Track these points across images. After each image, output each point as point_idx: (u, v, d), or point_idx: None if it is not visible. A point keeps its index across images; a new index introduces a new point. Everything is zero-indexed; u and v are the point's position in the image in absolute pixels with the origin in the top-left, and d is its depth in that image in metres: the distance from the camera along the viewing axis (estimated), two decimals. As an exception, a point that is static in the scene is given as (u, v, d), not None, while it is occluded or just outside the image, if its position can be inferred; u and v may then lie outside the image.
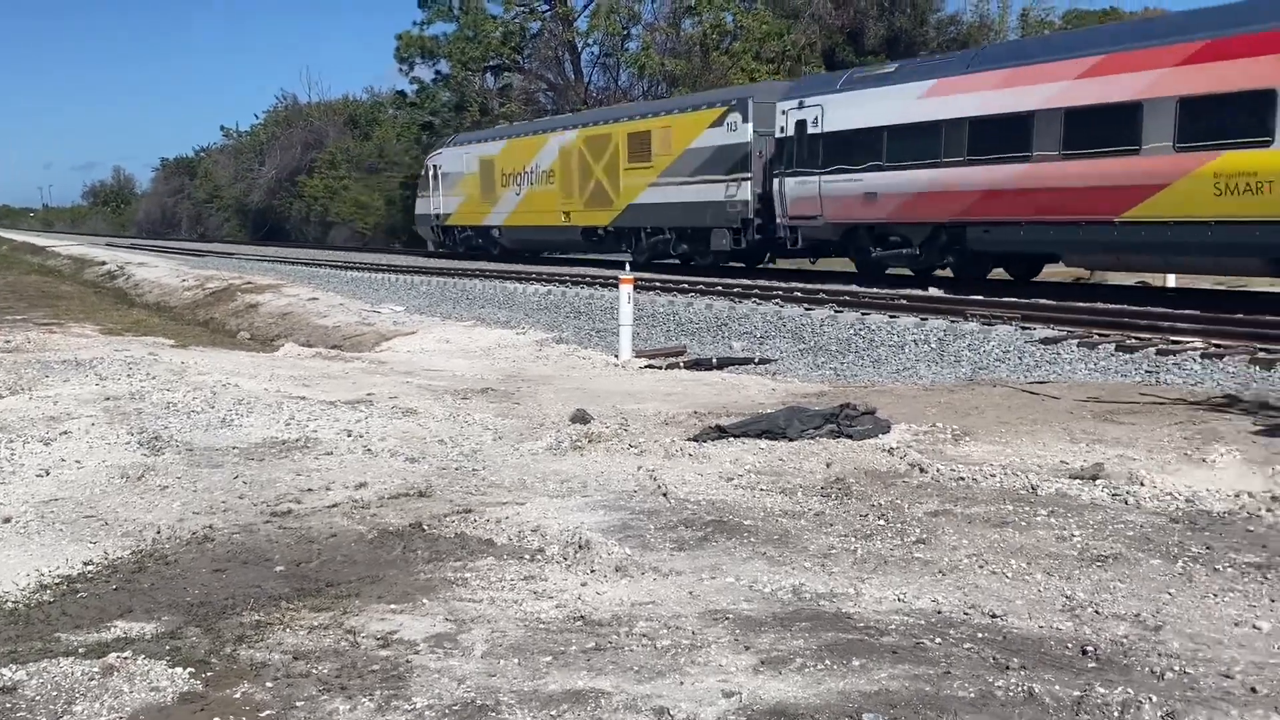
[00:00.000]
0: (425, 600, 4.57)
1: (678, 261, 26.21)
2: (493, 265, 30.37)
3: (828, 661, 3.81)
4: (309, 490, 6.46)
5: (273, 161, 69.55)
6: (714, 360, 12.73)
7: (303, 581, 4.86)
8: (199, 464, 7.07)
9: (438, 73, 50.78)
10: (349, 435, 7.98)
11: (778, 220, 21.50)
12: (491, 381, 11.15)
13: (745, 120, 22.43)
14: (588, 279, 22.50)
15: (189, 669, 3.86)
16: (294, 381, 10.47)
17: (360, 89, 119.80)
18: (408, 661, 3.92)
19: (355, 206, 59.71)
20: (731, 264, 25.05)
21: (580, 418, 8.46)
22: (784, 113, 21.24)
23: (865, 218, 19.73)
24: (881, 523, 5.58)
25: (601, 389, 10.52)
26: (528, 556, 5.15)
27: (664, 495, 6.14)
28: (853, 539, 5.31)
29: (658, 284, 20.03)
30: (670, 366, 12.36)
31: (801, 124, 20.75)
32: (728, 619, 4.26)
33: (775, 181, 21.42)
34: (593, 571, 4.90)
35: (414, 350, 14.62)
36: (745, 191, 22.48)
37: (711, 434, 7.57)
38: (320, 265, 35.01)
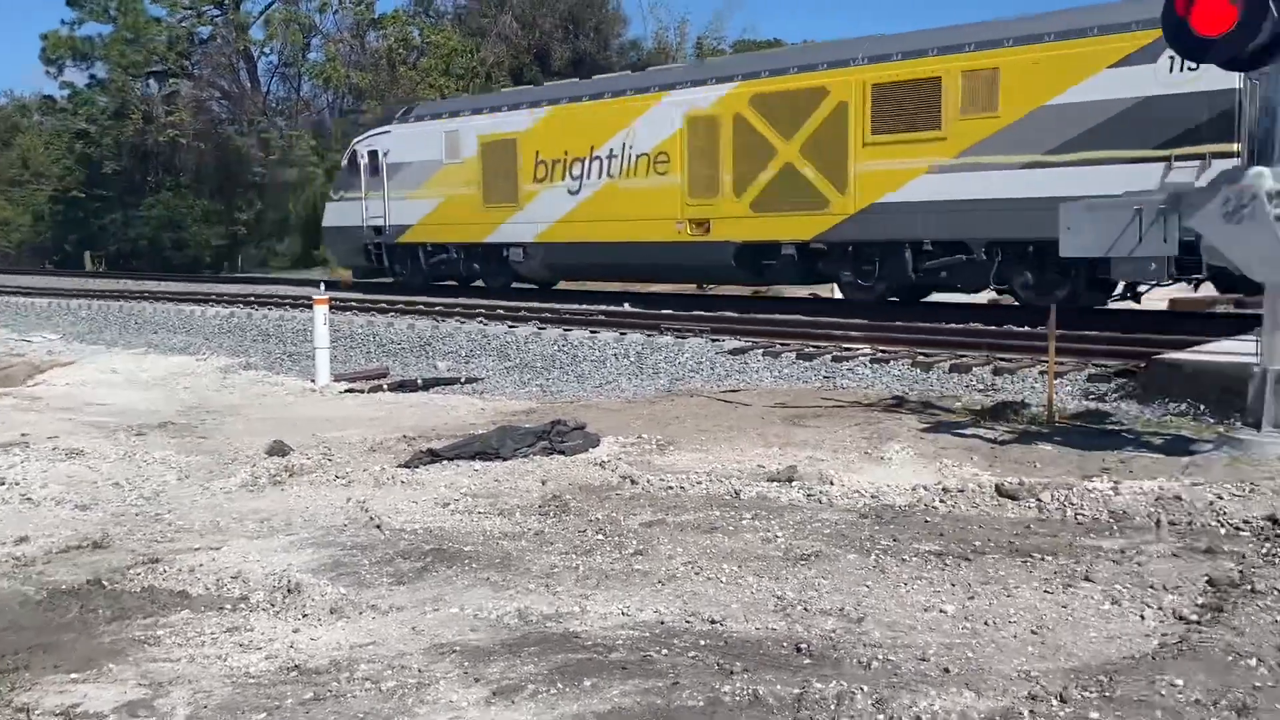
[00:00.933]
0: (112, 665, 4.08)
1: (917, 296, 16.85)
2: (164, 286, 27.97)
3: (560, 685, 3.78)
4: (-44, 550, 5.62)
5: (-113, 171, 60.63)
6: (420, 381, 12.43)
7: (-45, 659, 4.20)
8: None
9: (93, 77, 46.51)
10: (2, 483, 7.06)
11: None
12: (171, 415, 10.29)
13: None
14: (276, 299, 21.34)
15: None
16: (-72, 424, 9.12)
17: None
18: (95, 739, 3.48)
19: (-5, 223, 53.28)
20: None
21: (278, 449, 7.95)
22: None
23: None
24: (600, 537, 5.64)
25: (299, 417, 9.97)
26: (229, 606, 4.75)
27: (377, 527, 5.88)
28: (574, 556, 5.33)
29: (354, 303, 19.34)
30: (373, 389, 11.93)
31: None
32: (455, 651, 4.12)
33: None
34: (305, 616, 4.59)
35: (75, 383, 13.14)
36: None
37: (424, 458, 7.36)
38: (-47, 289, 30.85)
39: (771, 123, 16.66)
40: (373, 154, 23.71)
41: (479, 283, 22.51)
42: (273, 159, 43.55)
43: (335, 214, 25.16)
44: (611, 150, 19.12)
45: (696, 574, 5.00)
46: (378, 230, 23.57)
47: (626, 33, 44.79)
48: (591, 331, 14.66)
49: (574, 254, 20.18)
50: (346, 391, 11.87)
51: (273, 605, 4.74)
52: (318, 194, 39.94)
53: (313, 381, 12.45)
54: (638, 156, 18.71)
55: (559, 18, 41.02)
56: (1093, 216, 7.05)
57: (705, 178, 17.66)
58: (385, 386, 12.14)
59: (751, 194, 17.03)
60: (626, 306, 17.71)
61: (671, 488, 6.62)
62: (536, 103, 21.01)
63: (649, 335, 14.04)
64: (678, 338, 13.73)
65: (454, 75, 39.12)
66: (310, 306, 13.55)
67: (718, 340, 13.38)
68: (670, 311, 16.24)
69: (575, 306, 17.64)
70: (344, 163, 25.27)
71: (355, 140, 25.24)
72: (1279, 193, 6.56)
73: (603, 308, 17.26)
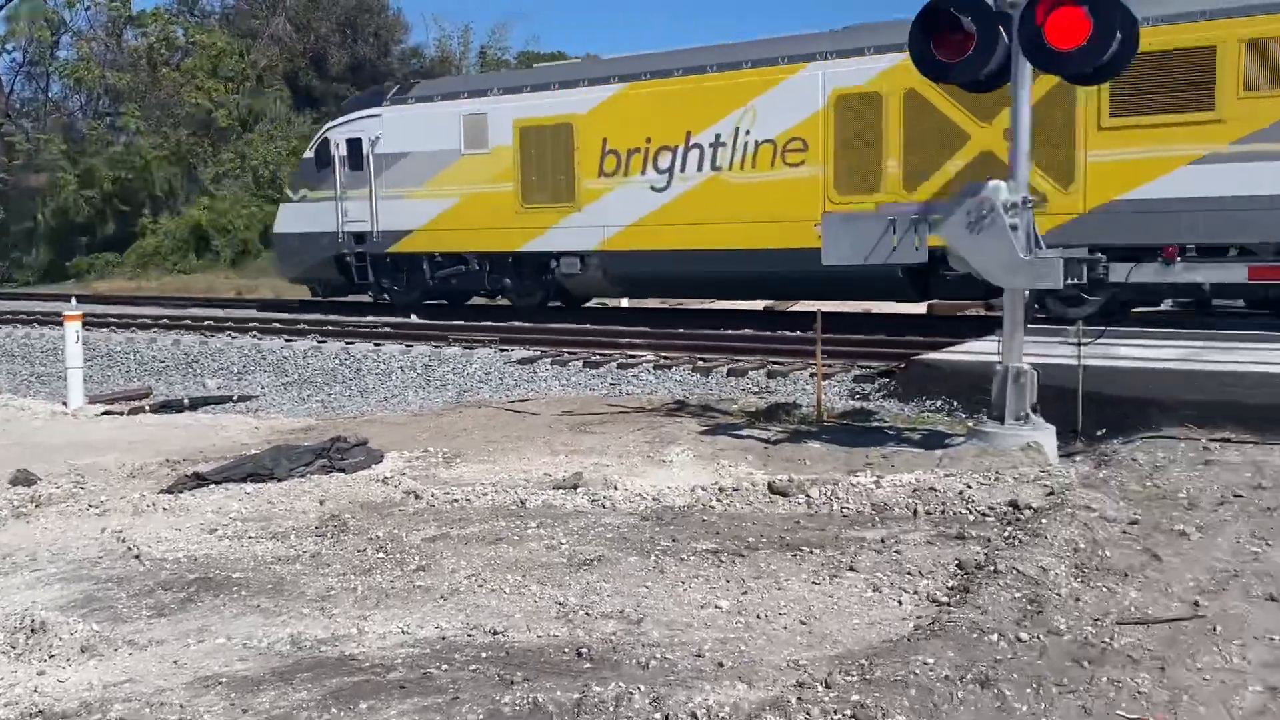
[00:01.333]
0: None
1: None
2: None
3: (334, 710, 3.66)
4: None
5: None
6: (186, 401, 11.76)
7: None
8: None
9: None
10: None
11: None
12: (-103, 445, 9.28)
13: None
14: (22, 315, 19.62)
15: None
16: None
17: None
18: None
19: None
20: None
21: (23, 479, 7.32)
22: None
23: None
24: (381, 555, 5.49)
25: (48, 443, 9.22)
26: (-38, 652, 4.32)
27: (136, 557, 5.50)
28: (352, 576, 5.16)
29: (113, 319, 18.05)
30: (134, 411, 11.18)
31: None
32: (221, 684, 3.91)
33: None
34: (51, 657, 4.23)
35: None
36: None
37: (189, 482, 6.95)
38: None
39: (961, 101, 13.17)
40: (354, 143, 18.69)
41: (502, 300, 18.58)
42: (17, 164, 40.06)
43: (295, 218, 19.75)
44: (718, 136, 15.28)
45: (480, 586, 4.95)
46: (359, 238, 18.73)
47: (408, 40, 44.02)
48: (375, 344, 14.30)
49: (657, 265, 15.96)
50: (103, 414, 11.08)
51: (14, 648, 4.35)
52: (70, 201, 37.03)
53: (65, 404, 11.57)
54: (758, 144, 14.98)
55: (336, 22, 39.83)
56: (849, 227, 7.49)
57: (859, 169, 14.23)
58: (147, 407, 11.43)
59: (930, 188, 13.49)
60: (413, 318, 17.37)
61: (457, 500, 6.53)
62: (603, 79, 16.54)
63: (436, 346, 13.83)
64: (465, 349, 13.59)
65: (222, 77, 37.20)
66: (61, 323, 12.57)
67: (506, 350, 13.35)
68: (460, 322, 16.06)
69: (358, 319, 17.15)
70: (310, 153, 19.88)
71: (329, 126, 19.80)
72: (1014, 204, 7.18)
73: (388, 319, 16.86)
